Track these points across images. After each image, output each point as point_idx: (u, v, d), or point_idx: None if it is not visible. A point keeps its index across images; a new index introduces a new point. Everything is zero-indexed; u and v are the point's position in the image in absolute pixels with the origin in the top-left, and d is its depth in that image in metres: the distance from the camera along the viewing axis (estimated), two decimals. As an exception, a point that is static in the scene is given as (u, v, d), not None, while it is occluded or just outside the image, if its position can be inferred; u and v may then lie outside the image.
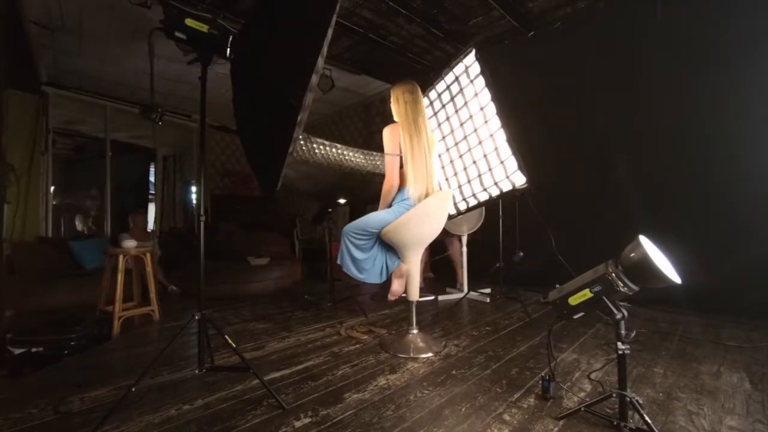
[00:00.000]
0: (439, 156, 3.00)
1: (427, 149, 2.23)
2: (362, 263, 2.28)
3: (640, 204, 3.10)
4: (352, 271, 2.28)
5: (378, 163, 2.93)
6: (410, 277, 2.29)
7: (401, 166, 2.22)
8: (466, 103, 2.87)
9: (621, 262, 1.33)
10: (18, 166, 4.10)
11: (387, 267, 2.35)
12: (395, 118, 2.32)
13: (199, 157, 1.82)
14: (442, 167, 3.01)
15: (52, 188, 5.17)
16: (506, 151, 2.63)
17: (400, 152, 2.22)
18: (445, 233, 3.42)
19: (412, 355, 2.13)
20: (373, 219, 2.24)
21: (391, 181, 2.22)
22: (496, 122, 2.66)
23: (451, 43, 4.20)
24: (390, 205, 2.27)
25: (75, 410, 1.56)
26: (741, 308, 2.75)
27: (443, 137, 3.02)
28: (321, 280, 4.76)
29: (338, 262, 2.32)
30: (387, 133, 2.24)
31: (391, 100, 2.34)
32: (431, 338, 2.39)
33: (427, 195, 2.21)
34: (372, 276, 2.31)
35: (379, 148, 2.73)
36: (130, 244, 2.86)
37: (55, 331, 2.42)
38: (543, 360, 2.03)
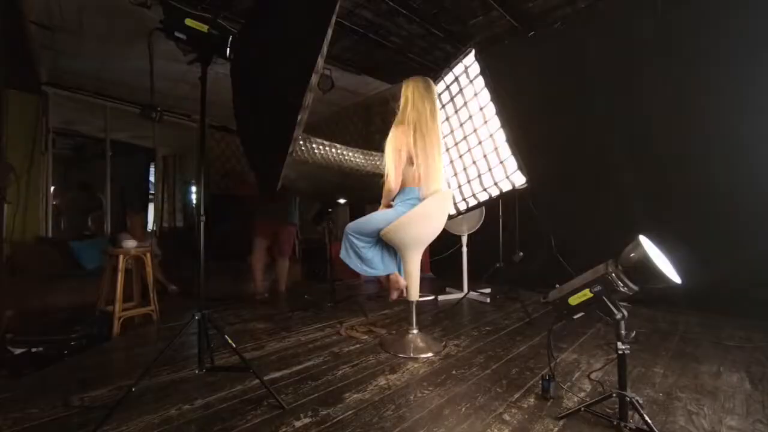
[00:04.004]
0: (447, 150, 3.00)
1: (438, 147, 2.20)
2: (368, 260, 2.28)
3: (640, 204, 3.10)
4: (363, 267, 2.28)
5: (378, 163, 2.93)
6: (410, 277, 2.28)
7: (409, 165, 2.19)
8: (465, 103, 2.87)
9: (621, 262, 1.33)
10: (18, 166, 4.09)
11: (394, 258, 2.36)
12: (407, 113, 2.20)
13: (199, 157, 1.82)
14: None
15: (53, 188, 5.17)
16: (506, 151, 2.63)
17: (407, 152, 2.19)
18: None
19: (412, 355, 2.13)
20: (375, 218, 2.23)
21: (395, 180, 2.17)
22: (495, 122, 2.67)
23: (451, 43, 4.20)
24: (391, 205, 2.26)
25: (75, 410, 1.56)
26: (741, 308, 2.75)
27: (443, 137, 3.02)
28: (321, 280, 4.76)
29: (341, 257, 2.32)
30: (397, 131, 2.17)
31: (404, 94, 2.24)
32: (431, 338, 2.39)
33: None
34: (379, 270, 2.31)
35: (380, 148, 2.71)
36: (130, 244, 2.85)
37: (55, 331, 2.43)
38: (543, 360, 2.02)
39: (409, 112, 2.20)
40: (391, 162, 2.17)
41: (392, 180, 2.18)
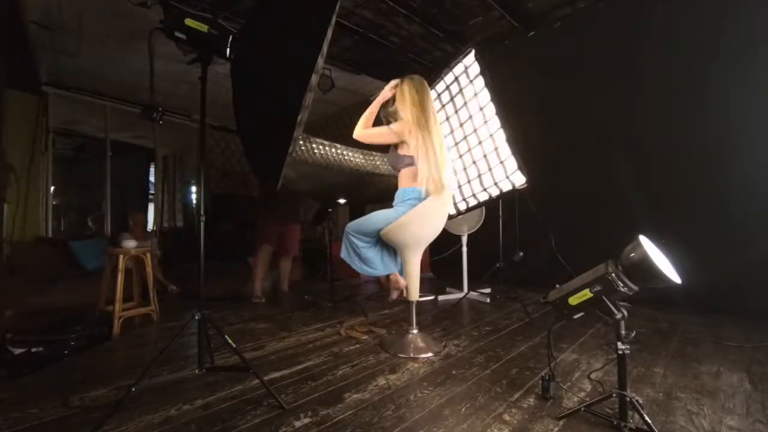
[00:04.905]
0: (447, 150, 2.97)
1: (440, 145, 2.16)
2: (368, 260, 2.28)
3: (640, 204, 3.10)
4: (363, 267, 2.28)
5: (378, 163, 2.93)
6: (410, 277, 2.28)
7: (410, 164, 2.17)
8: (465, 103, 2.87)
9: (621, 262, 1.33)
10: (18, 166, 4.10)
11: (394, 258, 2.36)
12: (401, 114, 2.18)
13: (199, 157, 1.82)
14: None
15: (53, 188, 5.17)
16: (506, 151, 2.63)
17: (400, 143, 2.17)
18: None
19: (412, 355, 2.13)
20: (375, 218, 2.23)
21: (364, 127, 2.20)
22: (495, 122, 2.67)
23: (451, 43, 4.20)
24: (391, 205, 2.26)
25: (75, 410, 1.56)
26: (741, 308, 2.75)
27: (443, 137, 3.02)
28: (321, 280, 4.76)
29: (341, 256, 2.32)
30: (403, 126, 2.14)
31: (399, 92, 2.19)
32: (431, 338, 2.39)
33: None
34: (379, 270, 2.31)
35: (380, 148, 2.71)
36: (130, 244, 2.86)
37: (55, 331, 2.43)
38: (543, 360, 2.02)
39: (405, 112, 2.16)
40: (382, 130, 2.17)
41: (366, 129, 2.20)
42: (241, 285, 3.89)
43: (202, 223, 1.75)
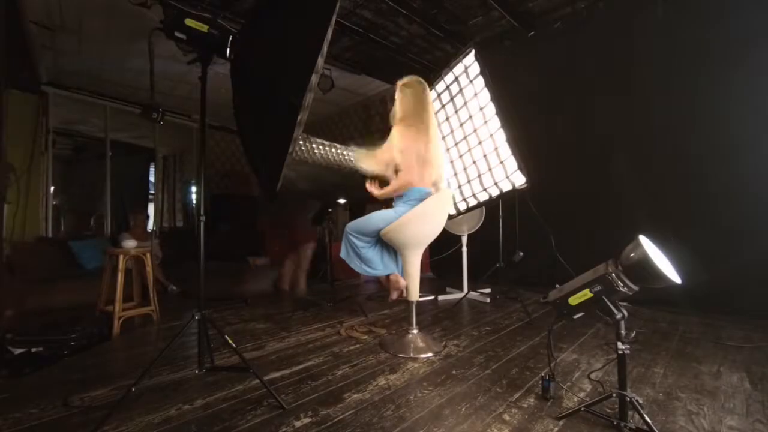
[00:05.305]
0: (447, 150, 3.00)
1: (435, 144, 2.23)
2: (368, 260, 2.29)
3: (640, 204, 3.10)
4: (363, 267, 2.29)
5: (378, 163, 2.92)
6: (410, 277, 2.28)
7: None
8: (465, 103, 2.87)
9: (621, 262, 1.33)
10: (18, 166, 4.10)
11: (394, 258, 2.37)
12: (398, 114, 2.25)
13: (199, 157, 1.82)
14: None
15: (52, 188, 5.17)
16: (506, 151, 2.63)
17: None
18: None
19: (412, 355, 2.13)
20: (375, 218, 2.23)
21: (380, 163, 2.19)
22: (495, 122, 2.67)
23: (451, 43, 4.20)
24: (391, 205, 2.26)
25: (75, 410, 1.56)
26: (741, 308, 2.75)
27: (443, 137, 3.02)
28: (321, 280, 4.76)
29: (341, 256, 2.32)
30: (397, 130, 2.19)
31: (396, 95, 2.28)
32: (431, 338, 2.39)
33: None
34: (379, 270, 2.32)
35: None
36: (130, 244, 2.86)
37: (55, 331, 2.42)
38: (543, 360, 2.02)
39: (401, 111, 2.23)
40: (386, 152, 2.19)
41: (402, 177, 2.17)
42: (239, 285, 3.89)
43: (202, 223, 1.75)
